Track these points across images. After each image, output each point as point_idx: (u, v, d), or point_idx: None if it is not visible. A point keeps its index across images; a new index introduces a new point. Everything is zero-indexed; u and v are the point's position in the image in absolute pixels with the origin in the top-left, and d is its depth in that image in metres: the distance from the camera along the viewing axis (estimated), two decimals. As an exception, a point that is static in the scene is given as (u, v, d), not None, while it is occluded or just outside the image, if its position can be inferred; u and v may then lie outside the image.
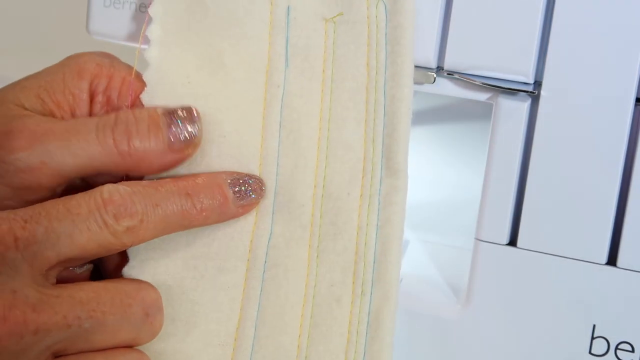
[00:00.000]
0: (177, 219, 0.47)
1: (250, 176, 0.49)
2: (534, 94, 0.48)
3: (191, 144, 0.48)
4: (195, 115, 0.48)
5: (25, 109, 0.48)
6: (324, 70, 0.49)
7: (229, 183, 0.48)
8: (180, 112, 0.48)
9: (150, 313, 0.46)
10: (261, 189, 0.49)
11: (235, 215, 0.48)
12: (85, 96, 0.49)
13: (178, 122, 0.48)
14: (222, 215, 0.48)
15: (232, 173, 0.49)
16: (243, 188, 0.48)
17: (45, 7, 1.00)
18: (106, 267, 0.53)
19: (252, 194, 0.48)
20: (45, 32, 0.98)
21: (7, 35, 0.99)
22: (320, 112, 0.49)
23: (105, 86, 0.49)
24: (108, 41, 0.54)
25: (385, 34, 0.49)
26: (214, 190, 0.48)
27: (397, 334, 0.50)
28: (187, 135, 0.48)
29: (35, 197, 0.47)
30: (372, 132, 0.49)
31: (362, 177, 0.49)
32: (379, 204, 0.49)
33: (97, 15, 0.53)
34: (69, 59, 0.50)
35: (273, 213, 0.49)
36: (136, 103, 0.49)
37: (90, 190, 0.46)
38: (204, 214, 0.47)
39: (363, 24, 0.49)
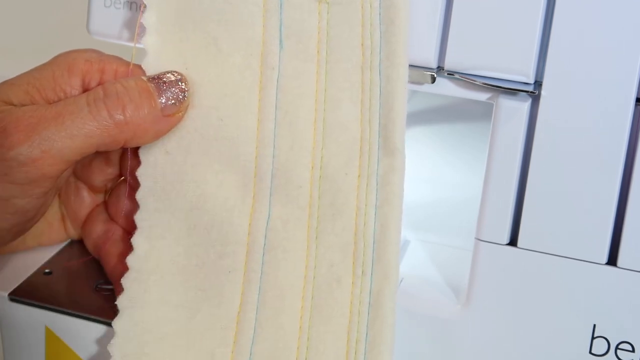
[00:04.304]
0: None
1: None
2: (534, 94, 0.48)
3: (182, 106, 0.49)
4: (180, 77, 0.49)
5: (14, 105, 0.48)
6: (318, 52, 0.49)
7: None
8: (165, 77, 0.49)
9: None
10: None
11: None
12: (77, 93, 0.49)
13: (166, 87, 0.48)
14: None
15: None
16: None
17: (45, 7, 1.00)
18: (108, 259, 0.53)
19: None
20: (45, 32, 0.98)
21: (7, 35, 0.99)
22: (315, 94, 0.49)
23: (99, 81, 0.50)
24: (108, 41, 0.54)
25: (379, 14, 0.49)
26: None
27: (398, 334, 0.51)
28: (177, 98, 0.48)
29: (40, 190, 0.47)
30: (368, 112, 0.49)
31: (360, 157, 0.49)
32: (377, 184, 0.49)
33: (97, 15, 0.53)
34: (57, 57, 0.50)
35: (270, 195, 0.49)
36: None
37: None
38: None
39: (357, 4, 0.49)
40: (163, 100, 0.48)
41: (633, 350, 0.49)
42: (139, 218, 0.50)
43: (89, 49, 0.51)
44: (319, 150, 0.49)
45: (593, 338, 0.50)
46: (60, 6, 0.97)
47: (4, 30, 0.99)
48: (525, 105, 0.48)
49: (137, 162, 0.50)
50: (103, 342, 0.52)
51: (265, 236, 0.49)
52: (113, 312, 0.50)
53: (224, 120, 0.49)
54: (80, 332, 0.53)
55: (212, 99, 0.50)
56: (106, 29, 0.53)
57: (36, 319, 0.54)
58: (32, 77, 0.49)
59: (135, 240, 0.50)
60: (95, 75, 0.50)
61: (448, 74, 0.49)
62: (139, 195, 0.50)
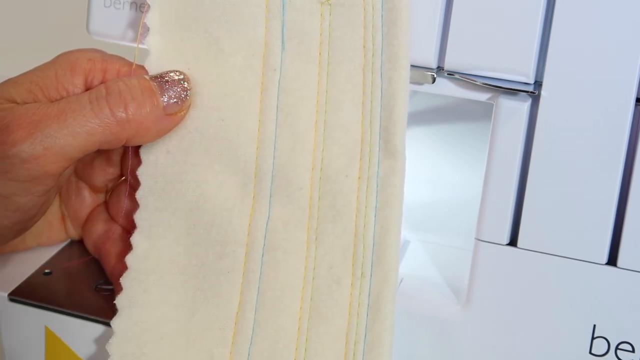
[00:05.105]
0: None
1: None
2: (534, 94, 0.48)
3: (184, 105, 0.49)
4: (183, 76, 0.49)
5: (17, 103, 0.48)
6: (320, 53, 0.49)
7: None
8: (168, 76, 0.49)
9: None
10: None
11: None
12: (79, 92, 0.49)
13: (169, 86, 0.48)
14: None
15: None
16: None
17: (45, 7, 1.00)
18: (108, 259, 0.53)
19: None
20: (45, 32, 0.98)
21: (7, 35, 0.99)
22: (317, 95, 0.50)
23: (101, 80, 0.50)
24: (108, 41, 0.54)
25: (381, 16, 0.49)
26: None
27: (397, 334, 0.50)
28: (179, 96, 0.48)
29: (42, 188, 0.47)
30: (369, 114, 0.49)
31: (360, 159, 0.49)
32: (377, 186, 0.49)
33: (97, 15, 0.53)
34: (60, 56, 0.50)
35: (270, 196, 0.49)
36: None
37: None
38: None
39: (359, 6, 0.49)
40: (165, 99, 0.48)
41: (633, 351, 0.49)
42: (138, 217, 0.50)
43: (91, 48, 0.51)
44: (319, 152, 0.50)
45: (593, 338, 0.50)
46: (60, 6, 0.97)
47: (4, 30, 0.99)
48: (525, 106, 0.48)
49: (138, 162, 0.51)
50: (103, 342, 0.52)
51: (265, 237, 0.49)
52: (113, 312, 0.50)
53: (224, 120, 0.49)
54: (80, 332, 0.53)
55: (213, 99, 0.50)
56: (106, 29, 0.53)
57: (36, 319, 0.54)
58: (35, 75, 0.49)
59: (135, 239, 0.50)
60: (98, 75, 0.50)
61: (448, 74, 0.49)
62: (139, 195, 0.50)
